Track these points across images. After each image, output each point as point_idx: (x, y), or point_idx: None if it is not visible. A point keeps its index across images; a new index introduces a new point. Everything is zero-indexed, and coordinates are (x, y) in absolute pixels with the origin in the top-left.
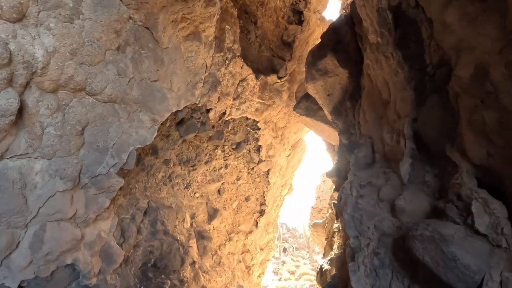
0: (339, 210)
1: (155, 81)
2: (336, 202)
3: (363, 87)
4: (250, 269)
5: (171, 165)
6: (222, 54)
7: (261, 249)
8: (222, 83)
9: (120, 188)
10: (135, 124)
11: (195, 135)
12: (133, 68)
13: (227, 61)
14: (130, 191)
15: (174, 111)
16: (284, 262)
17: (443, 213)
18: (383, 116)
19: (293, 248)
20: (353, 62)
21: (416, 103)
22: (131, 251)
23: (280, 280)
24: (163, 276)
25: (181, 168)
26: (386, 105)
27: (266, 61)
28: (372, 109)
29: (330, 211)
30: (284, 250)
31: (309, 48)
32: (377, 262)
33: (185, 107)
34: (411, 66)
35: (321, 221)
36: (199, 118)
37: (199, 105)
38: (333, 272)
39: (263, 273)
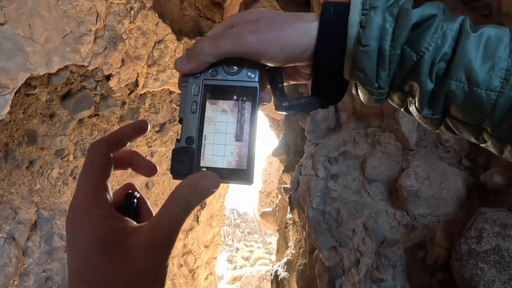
0: (296, 202)
1: (1, 24)
2: (287, 186)
3: None
4: (194, 273)
5: (70, 158)
6: (124, 1)
7: (206, 247)
8: (126, 41)
9: None
10: None
11: (97, 115)
12: None
13: (132, 12)
14: (2, 199)
15: (41, 73)
16: (237, 249)
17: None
18: None
19: (241, 232)
20: (298, 0)
21: None
22: (15, 282)
23: (235, 268)
24: None
25: None
26: None
27: (191, 22)
28: None
29: (280, 196)
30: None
31: None
32: None
33: (65, 69)
34: None
35: (270, 209)
36: (95, 88)
37: (90, 68)
38: (293, 281)
39: (211, 273)
